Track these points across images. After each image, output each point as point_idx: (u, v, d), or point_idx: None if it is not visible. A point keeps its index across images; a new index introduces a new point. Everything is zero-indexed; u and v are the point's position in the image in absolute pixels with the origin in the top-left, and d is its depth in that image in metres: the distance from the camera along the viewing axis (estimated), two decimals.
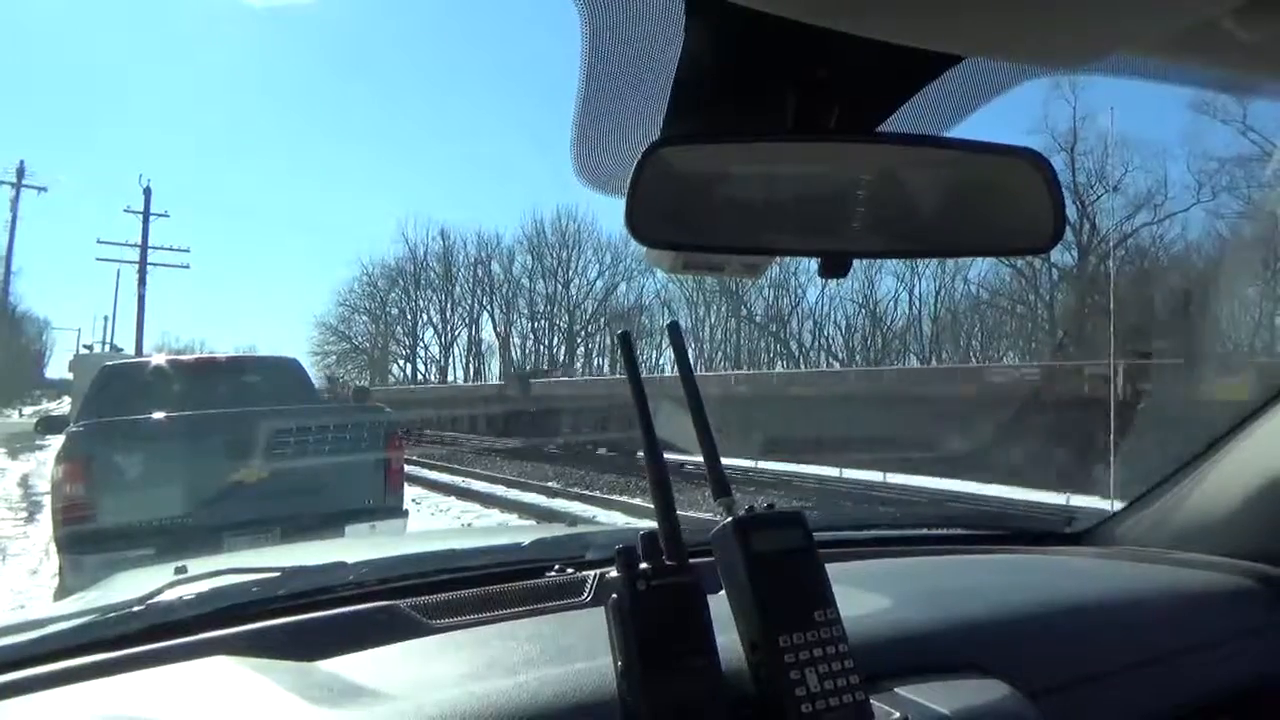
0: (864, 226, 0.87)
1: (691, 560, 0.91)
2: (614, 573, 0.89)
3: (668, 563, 0.89)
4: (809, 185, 0.89)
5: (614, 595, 0.88)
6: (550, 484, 13.42)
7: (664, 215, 0.82)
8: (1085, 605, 1.30)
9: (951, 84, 0.83)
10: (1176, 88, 0.90)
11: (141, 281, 31.21)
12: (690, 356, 1.16)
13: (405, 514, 6.36)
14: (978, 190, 0.90)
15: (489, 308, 47.00)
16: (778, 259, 1.11)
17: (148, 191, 31.15)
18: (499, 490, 13.13)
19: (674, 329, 1.08)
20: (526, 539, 1.50)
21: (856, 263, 0.95)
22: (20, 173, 32.59)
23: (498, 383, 33.86)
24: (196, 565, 1.32)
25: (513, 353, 46.21)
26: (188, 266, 33.32)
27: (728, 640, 0.90)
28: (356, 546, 2.65)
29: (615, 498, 11.61)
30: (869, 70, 0.81)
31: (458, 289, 47.25)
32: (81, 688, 0.98)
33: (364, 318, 48.25)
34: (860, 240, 0.89)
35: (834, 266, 0.88)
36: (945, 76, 0.82)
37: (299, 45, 56.88)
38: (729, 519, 0.93)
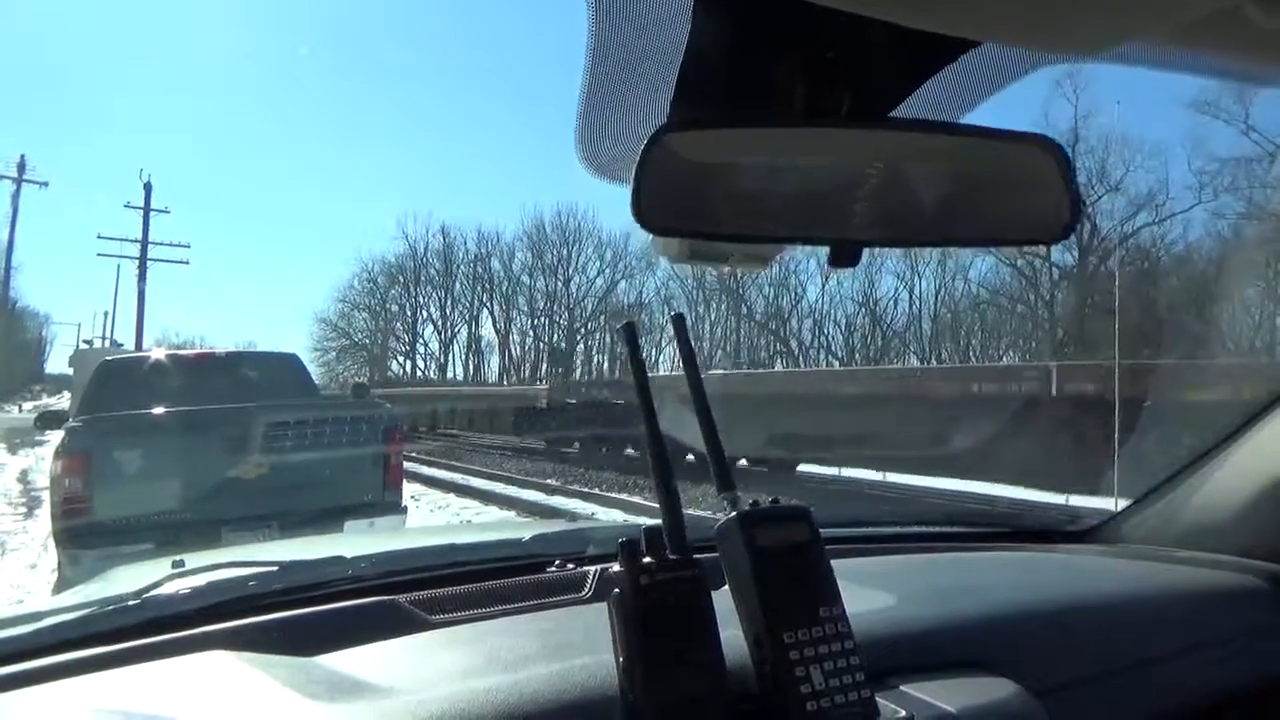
0: (875, 215, 0.85)
1: (695, 555, 0.90)
2: (616, 567, 0.88)
3: (671, 557, 0.88)
4: (819, 172, 0.87)
5: (616, 590, 0.87)
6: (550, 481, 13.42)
7: (670, 202, 0.80)
8: (1091, 603, 1.30)
9: (964, 70, 0.81)
10: (1182, 82, 0.89)
11: (142, 277, 31.27)
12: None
13: (404, 510, 6.37)
14: (991, 178, 0.89)
15: (489, 305, 47.05)
16: (784, 251, 1.10)
17: (148, 187, 31.18)
18: (498, 487, 13.13)
19: (679, 321, 1.07)
20: (527, 534, 1.49)
21: (857, 262, 0.93)
22: (21, 167, 32.60)
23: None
24: (194, 560, 1.32)
25: (512, 350, 46.27)
26: (188, 262, 33.38)
27: (732, 636, 0.89)
28: (355, 542, 2.64)
29: None
30: (881, 55, 0.80)
31: (458, 286, 47.29)
32: (79, 681, 0.97)
33: (364, 314, 48.32)
34: (871, 229, 0.88)
35: (844, 255, 0.87)
36: (958, 62, 0.80)
37: (299, 41, 56.84)
38: (733, 513, 0.92)
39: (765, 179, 0.88)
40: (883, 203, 0.85)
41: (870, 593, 1.17)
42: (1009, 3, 0.65)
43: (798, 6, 0.62)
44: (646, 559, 0.87)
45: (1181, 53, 0.78)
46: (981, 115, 0.89)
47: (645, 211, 0.78)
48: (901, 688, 0.99)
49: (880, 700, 0.92)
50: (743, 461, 14.46)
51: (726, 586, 0.93)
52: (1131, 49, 0.75)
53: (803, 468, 14.84)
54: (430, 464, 15.91)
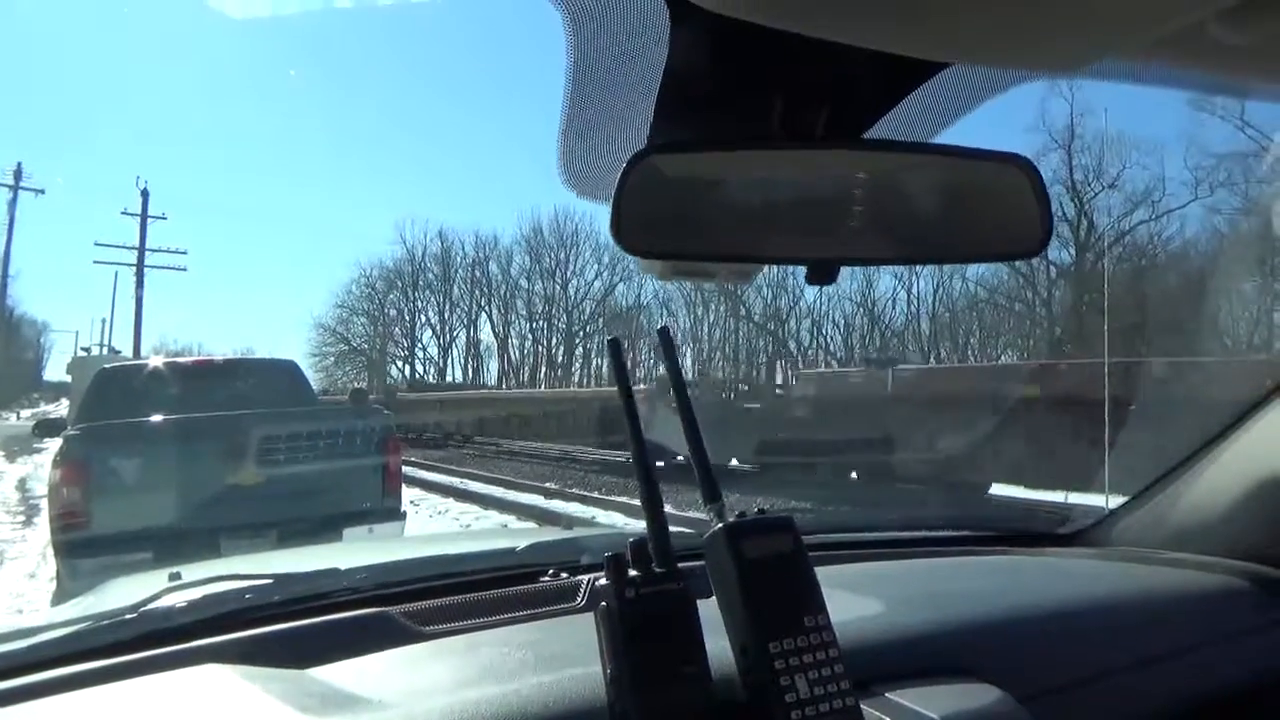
0: (851, 233, 0.87)
1: (684, 565, 0.91)
2: (604, 580, 0.89)
3: (656, 570, 0.89)
4: (796, 192, 0.89)
5: (602, 602, 0.88)
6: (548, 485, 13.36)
7: (650, 223, 0.82)
8: (1079, 607, 1.30)
9: (939, 89, 0.83)
10: (1166, 90, 0.90)
11: (139, 284, 31.24)
12: (688, 359, 1.16)
13: (403, 516, 6.36)
14: (965, 196, 0.91)
15: (487, 309, 47.04)
16: (767, 265, 1.12)
17: (145, 194, 31.17)
18: (497, 491, 13.09)
19: (664, 334, 1.08)
20: (521, 543, 1.50)
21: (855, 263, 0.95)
22: (18, 175, 32.41)
23: None
24: (190, 572, 1.33)
25: (511, 354, 46.28)
26: (185, 269, 33.60)
27: (718, 646, 0.90)
28: (353, 550, 2.65)
29: None
30: (855, 77, 0.81)
31: (456, 290, 47.29)
32: (74, 696, 0.97)
33: (362, 319, 48.26)
34: (848, 247, 0.89)
35: (821, 273, 0.88)
36: (932, 82, 0.82)
37: (296, 51, 56.76)
38: (719, 525, 0.93)
39: (743, 200, 0.89)
40: (859, 221, 0.87)
41: (857, 600, 1.18)
42: (980, 25, 0.66)
43: (772, 31, 0.63)
44: (632, 572, 0.89)
45: (1152, 69, 0.79)
46: (965, 127, 0.91)
47: (625, 234, 0.80)
48: (887, 695, 1.00)
49: (865, 708, 0.93)
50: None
51: (714, 596, 0.94)
52: (1102, 66, 0.76)
53: (996, 489, 11.27)
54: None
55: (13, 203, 32.40)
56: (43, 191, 33.29)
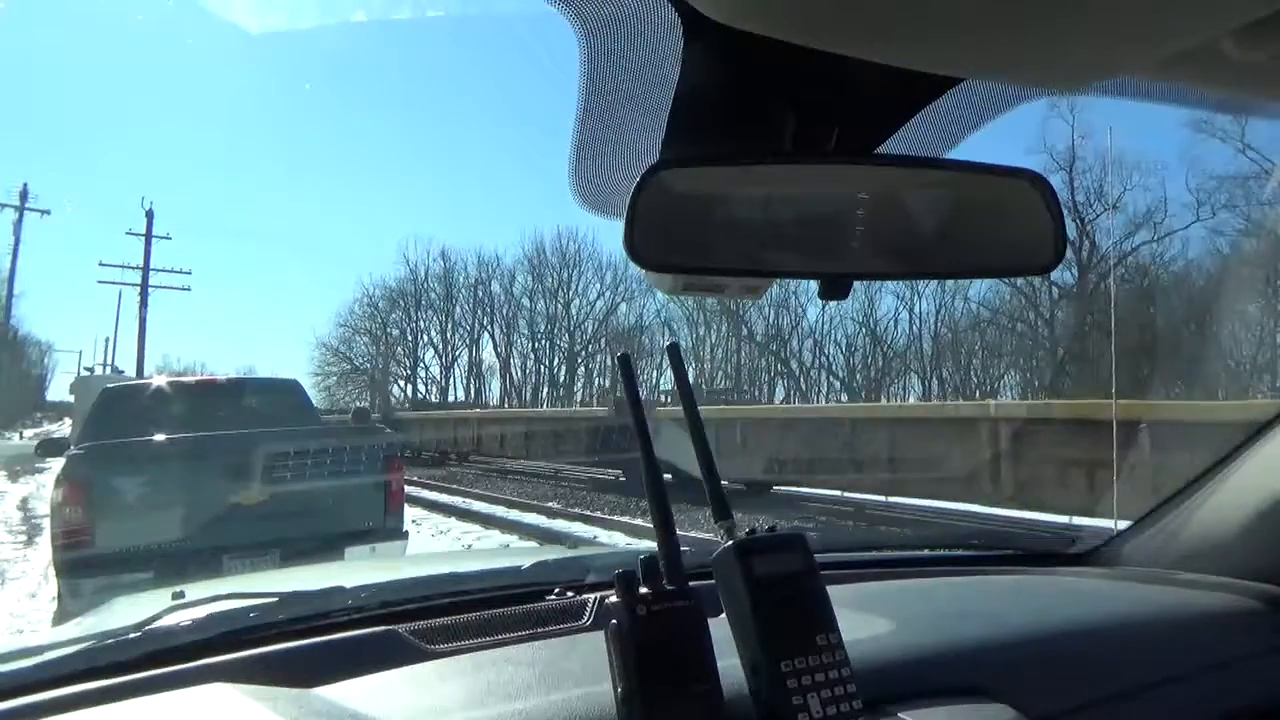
0: (864, 248, 0.87)
1: (693, 583, 0.90)
2: (614, 597, 0.88)
3: (667, 587, 0.89)
4: (808, 207, 0.89)
5: (613, 620, 0.87)
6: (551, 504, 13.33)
7: (663, 238, 0.82)
8: (1090, 627, 1.29)
9: (950, 105, 0.83)
10: (1175, 108, 0.90)
11: (143, 304, 31.41)
12: (690, 377, 1.15)
13: (405, 536, 6.34)
14: (978, 211, 0.91)
15: (489, 328, 47.19)
16: (778, 279, 1.12)
17: (150, 214, 31.37)
18: (499, 510, 13.05)
19: (674, 350, 1.08)
20: (526, 562, 1.49)
21: (857, 282, 0.95)
22: (24, 196, 32.71)
23: None
24: (194, 590, 1.32)
25: (513, 373, 46.32)
26: (189, 289, 33.73)
27: (729, 664, 0.89)
28: (356, 569, 2.64)
29: None
30: (867, 93, 0.82)
31: (458, 310, 47.48)
32: (78, 715, 0.97)
33: (364, 339, 48.44)
34: (860, 262, 0.89)
35: (834, 288, 0.88)
36: (944, 98, 0.82)
37: (300, 69, 57.26)
38: (729, 542, 0.93)
39: (755, 215, 0.89)
40: (871, 237, 0.87)
41: (869, 619, 1.17)
42: (993, 41, 0.66)
43: (785, 47, 0.63)
44: (643, 589, 0.88)
45: (1163, 86, 0.80)
46: (970, 146, 0.91)
47: (638, 248, 0.80)
48: (899, 714, 0.99)
49: None
50: None
51: (724, 614, 0.93)
52: (1113, 83, 0.76)
53: None
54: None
55: (18, 224, 32.63)
56: (48, 212, 33.60)
